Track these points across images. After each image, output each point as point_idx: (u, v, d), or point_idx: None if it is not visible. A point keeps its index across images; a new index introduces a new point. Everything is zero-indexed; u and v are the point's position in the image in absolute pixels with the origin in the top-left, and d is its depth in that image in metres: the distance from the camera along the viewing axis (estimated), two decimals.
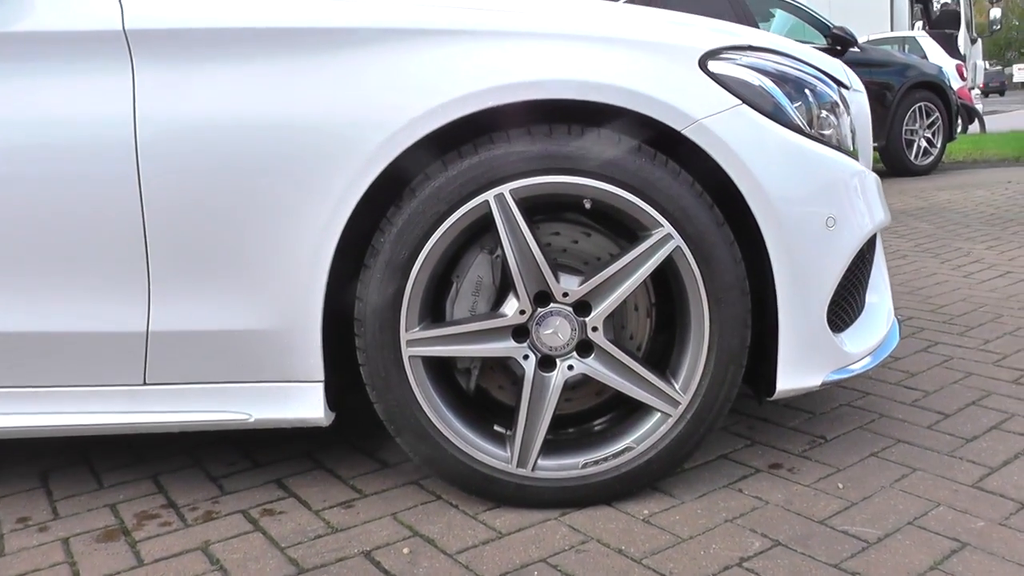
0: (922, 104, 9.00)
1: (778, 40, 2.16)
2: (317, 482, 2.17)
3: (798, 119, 1.97)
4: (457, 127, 1.84)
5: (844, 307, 2.12)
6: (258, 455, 2.35)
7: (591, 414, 2.11)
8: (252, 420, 1.95)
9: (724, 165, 1.87)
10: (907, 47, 13.92)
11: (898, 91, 8.83)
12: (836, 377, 2.01)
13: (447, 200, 1.84)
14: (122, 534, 1.96)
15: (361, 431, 2.43)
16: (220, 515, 2.02)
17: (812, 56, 2.18)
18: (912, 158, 9.01)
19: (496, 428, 2.00)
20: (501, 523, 1.91)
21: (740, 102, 1.90)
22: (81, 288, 1.91)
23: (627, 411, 2.03)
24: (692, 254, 1.88)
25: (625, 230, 1.99)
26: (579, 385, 2.03)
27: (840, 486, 2.00)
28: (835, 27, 8.71)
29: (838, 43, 8.53)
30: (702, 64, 1.92)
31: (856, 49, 8.68)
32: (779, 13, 9.19)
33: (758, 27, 8.78)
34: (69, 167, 1.87)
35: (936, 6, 18.76)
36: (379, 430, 2.05)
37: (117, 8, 1.87)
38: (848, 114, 2.15)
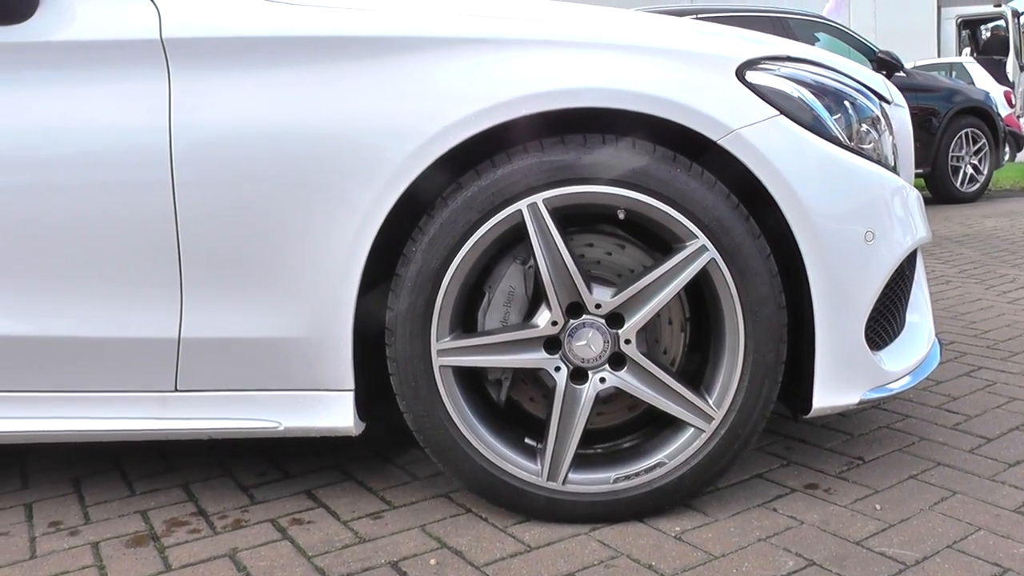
0: (968, 130, 8.90)
1: (817, 52, 2.14)
2: (347, 493, 2.16)
3: (837, 132, 1.94)
4: (489, 136, 1.84)
5: (883, 325, 2.08)
6: (289, 466, 2.34)
7: (623, 428, 2.08)
8: (282, 428, 1.94)
9: (760, 176, 1.85)
10: (954, 73, 13.78)
11: (944, 117, 8.73)
12: (874, 396, 1.97)
13: (479, 209, 1.83)
14: (151, 540, 1.96)
15: (392, 444, 2.42)
16: (249, 523, 2.02)
17: (852, 69, 2.16)
18: (958, 185, 8.89)
19: (527, 441, 1.98)
20: (530, 536, 1.89)
21: (778, 113, 1.88)
22: (114, 294, 1.92)
23: (659, 426, 2.00)
24: (727, 266, 1.85)
25: (660, 242, 1.97)
26: (611, 399, 2.00)
27: (878, 507, 1.95)
28: (881, 51, 8.65)
29: (883, 67, 8.46)
30: (739, 74, 1.90)
31: (902, 74, 8.61)
32: (824, 37, 9.13)
33: None
34: (105, 174, 1.88)
35: (984, 32, 18.59)
36: (410, 443, 2.04)
37: (155, 17, 1.89)
38: (889, 129, 2.12)
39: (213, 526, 2.01)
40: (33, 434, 2.01)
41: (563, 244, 1.83)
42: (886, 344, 2.09)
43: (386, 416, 2.07)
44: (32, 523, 2.08)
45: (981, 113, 9.00)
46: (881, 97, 2.17)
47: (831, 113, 1.96)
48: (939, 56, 18.35)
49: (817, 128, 1.92)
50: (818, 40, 9.21)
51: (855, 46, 8.95)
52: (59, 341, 1.94)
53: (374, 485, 2.20)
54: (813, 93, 1.95)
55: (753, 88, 1.89)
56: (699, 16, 8.51)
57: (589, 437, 1.95)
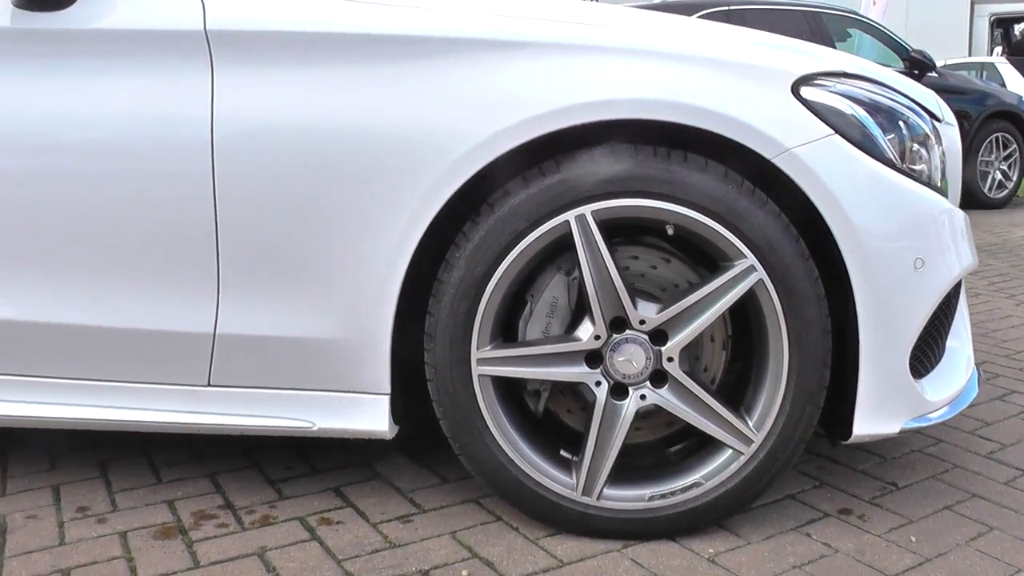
0: (999, 135, 8.79)
1: (871, 67, 2.10)
2: (375, 493, 2.15)
3: (890, 152, 1.91)
4: (539, 143, 1.81)
5: (925, 352, 2.05)
6: (316, 460, 2.33)
7: (660, 444, 2.05)
8: (315, 428, 1.93)
9: (813, 197, 1.81)
10: (985, 73, 13.64)
11: (975, 120, 8.62)
12: (914, 425, 1.94)
13: (526, 218, 1.81)
14: (179, 533, 1.95)
15: (420, 441, 2.40)
16: (277, 520, 2.01)
17: (905, 85, 2.12)
18: (986, 190, 8.79)
19: (562, 453, 1.96)
20: (563, 551, 1.87)
21: (832, 132, 1.84)
22: (150, 286, 1.91)
23: (697, 444, 1.98)
24: (775, 288, 1.82)
25: (705, 257, 1.94)
26: (649, 414, 1.97)
27: (913, 539, 1.93)
28: (914, 50, 8.54)
29: (916, 67, 8.36)
30: (795, 90, 1.86)
31: (934, 74, 8.50)
32: (857, 34, 9.04)
33: (835, 47, 8.66)
34: (145, 165, 1.87)
35: (1017, 31, 18.38)
36: (439, 443, 2.02)
37: (199, 8, 1.87)
38: (940, 148, 2.08)
39: (241, 521, 2.00)
40: (63, 421, 2.00)
41: (610, 258, 1.80)
42: (927, 372, 2.06)
43: (419, 418, 2.04)
44: (60, 507, 2.08)
45: (1013, 117, 8.88)
46: (932, 115, 2.13)
47: (884, 132, 1.92)
48: (970, 55, 18.18)
49: (870, 148, 1.88)
50: (851, 36, 9.11)
51: (888, 44, 8.85)
52: (89, 330, 1.93)
53: (403, 486, 2.18)
54: (867, 111, 1.91)
55: (808, 105, 1.85)
56: (731, 8, 8.43)
57: (625, 450, 1.93)
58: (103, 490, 2.18)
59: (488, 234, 1.81)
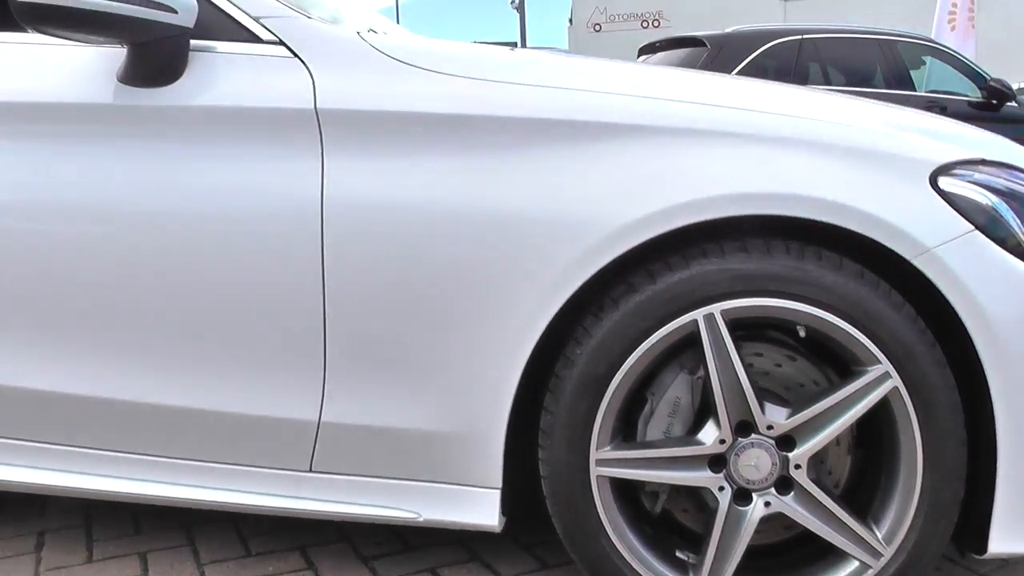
0: None
1: (1008, 149, 1.98)
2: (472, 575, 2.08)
3: None
4: (665, 237, 1.73)
5: None
6: (409, 536, 2.27)
7: (778, 548, 1.96)
8: (421, 519, 1.86)
9: (953, 301, 1.71)
10: None
11: None
12: None
13: (652, 315, 1.73)
14: None
15: (521, 525, 2.33)
16: None
17: None
18: None
19: (678, 554, 1.87)
20: None
21: (973, 228, 1.73)
22: (255, 370, 1.86)
23: (819, 551, 1.88)
24: (910, 397, 1.72)
25: (831, 356, 1.84)
26: (769, 517, 1.88)
27: None
28: (992, 79, 8.34)
29: (994, 96, 8.18)
30: (933, 182, 1.76)
31: (1013, 104, 8.30)
32: (931, 61, 8.86)
33: (909, 75, 8.48)
34: (252, 247, 1.82)
35: None
36: (539, 524, 1.94)
37: (309, 86, 1.83)
38: None
39: None
40: (161, 499, 1.96)
41: (739, 361, 1.72)
42: None
43: (529, 511, 1.97)
44: None
45: None
46: None
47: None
48: None
49: (1011, 244, 1.78)
50: (924, 64, 8.93)
51: (964, 71, 8.67)
52: (197, 413, 1.88)
53: (502, 570, 2.11)
54: (1008, 203, 1.81)
55: (948, 199, 1.75)
56: (805, 37, 8.29)
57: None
58: (191, 560, 2.14)
59: (611, 331, 1.73)
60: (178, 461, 1.93)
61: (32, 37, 1.94)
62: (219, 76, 1.87)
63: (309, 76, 1.84)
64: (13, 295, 1.93)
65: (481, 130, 1.79)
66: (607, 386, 1.75)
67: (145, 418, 1.91)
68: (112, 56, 1.90)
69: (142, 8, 1.76)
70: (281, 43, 1.89)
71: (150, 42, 1.83)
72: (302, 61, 1.86)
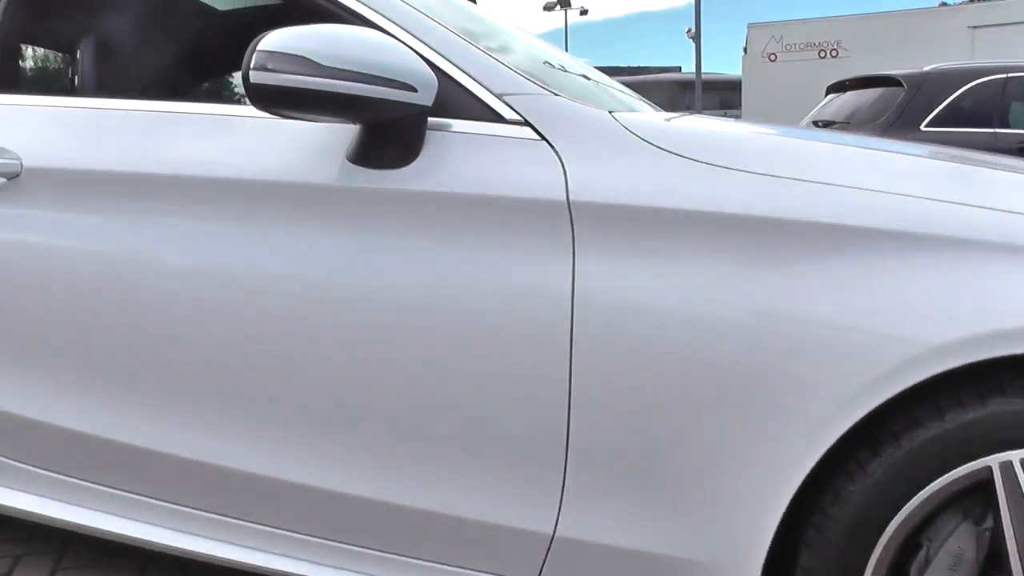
0: None
1: None
2: None
3: None
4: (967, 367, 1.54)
5: None
6: None
7: None
8: None
9: None
10: None
11: None
12: None
13: (939, 457, 1.55)
14: None
15: None
16: None
17: None
18: None
19: None
20: None
21: None
22: (484, 471, 1.77)
23: None
24: None
25: None
26: None
27: None
28: None
29: None
30: None
31: None
32: None
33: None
34: (490, 341, 1.72)
35: None
36: None
37: (560, 175, 1.72)
38: None
39: None
40: None
41: None
42: None
43: None
44: None
45: None
46: None
47: None
48: None
49: None
50: None
51: None
52: (421, 513, 1.81)
53: None
54: None
55: None
56: (1010, 76, 7.80)
57: None
58: None
59: (891, 470, 1.56)
60: (392, 556, 1.87)
61: (244, 110, 1.91)
62: (458, 159, 1.79)
63: (559, 162, 1.74)
64: (229, 375, 1.91)
65: (762, 233, 1.64)
66: (883, 530, 1.58)
67: (361, 510, 1.85)
68: (341, 134, 1.84)
69: (383, 88, 1.69)
70: (527, 123, 1.79)
71: (386, 121, 1.76)
72: (551, 145, 1.76)
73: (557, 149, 1.75)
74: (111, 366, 2.01)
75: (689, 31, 21.16)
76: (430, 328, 1.75)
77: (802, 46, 16.63)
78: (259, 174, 1.90)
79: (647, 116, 1.94)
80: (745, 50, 16.86)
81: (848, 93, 8.63)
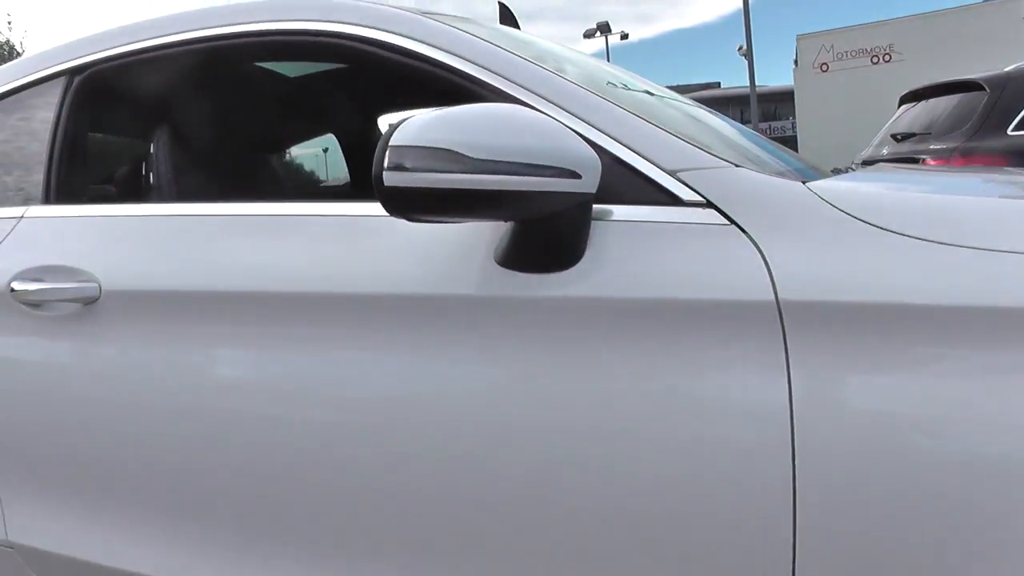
0: None
1: None
2: None
3: None
4: None
5: None
6: None
7: None
8: None
9: None
10: None
11: None
12: None
13: None
14: None
15: None
16: None
17: None
18: None
19: None
20: None
21: None
22: None
23: None
24: None
25: None
26: None
27: None
28: None
29: None
30: None
31: None
32: None
33: None
34: (691, 486, 1.43)
35: None
36: None
37: (760, 267, 1.41)
38: None
39: None
40: None
41: None
42: None
43: None
44: None
45: None
46: None
47: None
48: None
49: None
50: None
51: None
52: None
53: None
54: None
55: None
56: None
57: None
58: None
59: None
60: None
61: (352, 208, 1.63)
62: (631, 254, 1.48)
63: (757, 252, 1.42)
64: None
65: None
66: None
67: None
68: (484, 231, 1.55)
69: (543, 179, 1.38)
70: (710, 205, 1.48)
71: (544, 215, 1.46)
72: (743, 230, 1.44)
73: (752, 235, 1.44)
74: (216, 513, 1.77)
75: (740, 48, 20.77)
76: (613, 466, 1.46)
77: (854, 53, 16.19)
78: (382, 286, 1.62)
79: (844, 185, 1.61)
80: (796, 62, 16.45)
81: (924, 102, 8.22)
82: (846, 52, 16.29)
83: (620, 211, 1.51)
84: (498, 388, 1.53)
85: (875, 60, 16.15)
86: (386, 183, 1.36)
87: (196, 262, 1.80)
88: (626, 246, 1.48)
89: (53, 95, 2.15)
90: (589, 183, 1.42)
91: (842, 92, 15.32)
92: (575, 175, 1.40)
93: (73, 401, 1.89)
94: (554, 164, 1.38)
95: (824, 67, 16.29)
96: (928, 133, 7.71)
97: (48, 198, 2.09)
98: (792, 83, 16.10)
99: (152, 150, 2.28)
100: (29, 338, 1.94)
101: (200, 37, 1.98)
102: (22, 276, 1.94)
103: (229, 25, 1.95)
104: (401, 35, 1.74)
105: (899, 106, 8.63)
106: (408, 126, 1.37)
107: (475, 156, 1.35)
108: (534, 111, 1.48)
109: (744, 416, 1.39)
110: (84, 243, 1.95)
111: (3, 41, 27.42)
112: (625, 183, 1.52)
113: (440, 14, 1.92)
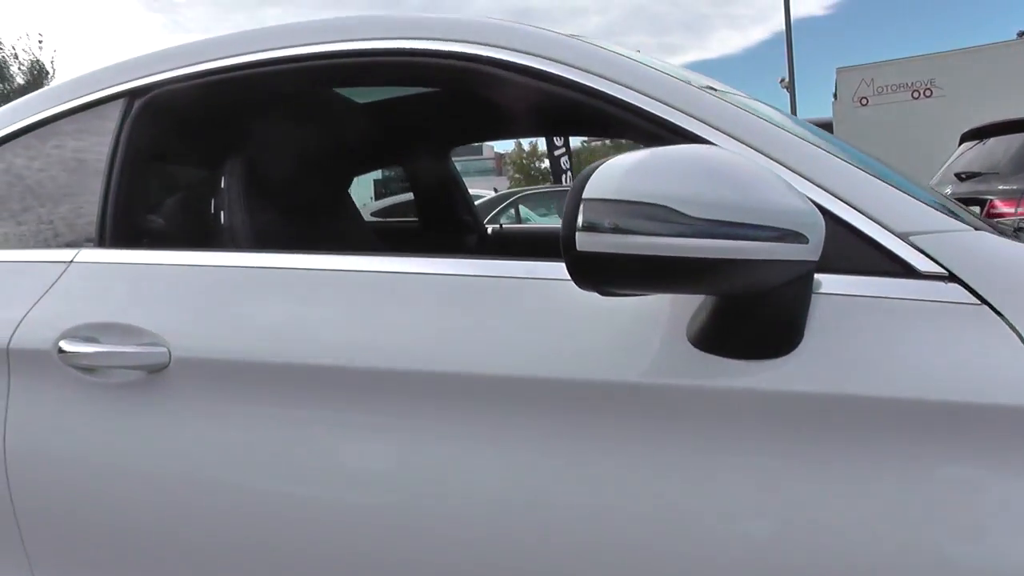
0: None
1: None
2: None
3: None
4: None
5: None
6: None
7: None
8: None
9: None
10: None
11: None
12: None
13: None
14: None
15: None
16: None
17: None
18: None
19: None
20: None
21: None
22: None
23: None
24: None
25: None
26: None
27: None
28: None
29: None
30: None
31: None
32: None
33: None
34: None
35: None
36: None
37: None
38: None
39: None
40: None
41: None
42: None
43: None
44: None
45: None
46: None
47: None
48: None
49: None
50: None
51: None
52: None
53: None
54: None
55: None
56: None
57: None
58: None
59: None
60: None
61: (475, 266, 1.33)
62: (863, 339, 1.17)
63: (1018, 339, 1.11)
64: None
65: None
66: None
67: None
68: (666, 302, 1.23)
69: (770, 244, 1.08)
70: (952, 277, 1.18)
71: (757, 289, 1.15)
72: (998, 313, 1.14)
73: (1009, 320, 1.13)
74: None
75: (783, 81, 20.47)
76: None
77: (894, 87, 15.85)
78: (524, 367, 1.30)
79: None
80: (835, 95, 16.11)
81: (988, 140, 7.90)
82: (886, 86, 15.95)
83: (839, 282, 1.21)
84: (700, 496, 1.21)
85: (916, 95, 15.82)
86: (579, 247, 1.06)
87: (287, 327, 1.51)
88: (857, 327, 1.17)
89: (111, 119, 1.86)
90: (813, 249, 1.12)
91: (882, 126, 14.98)
92: (802, 238, 1.09)
93: (124, 476, 1.60)
94: (779, 225, 1.08)
95: (864, 101, 15.96)
96: (995, 173, 7.40)
97: (103, 240, 1.79)
98: (831, 116, 15.73)
99: (223, 185, 1.97)
100: (80, 408, 1.63)
101: (308, 54, 1.70)
102: (72, 335, 1.65)
103: (334, 43, 1.66)
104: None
105: (959, 144, 8.32)
106: (606, 174, 1.07)
107: (694, 215, 1.04)
108: (742, 156, 1.18)
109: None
110: (148, 296, 1.65)
111: (34, 60, 27.40)
112: (848, 250, 1.22)
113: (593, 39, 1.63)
